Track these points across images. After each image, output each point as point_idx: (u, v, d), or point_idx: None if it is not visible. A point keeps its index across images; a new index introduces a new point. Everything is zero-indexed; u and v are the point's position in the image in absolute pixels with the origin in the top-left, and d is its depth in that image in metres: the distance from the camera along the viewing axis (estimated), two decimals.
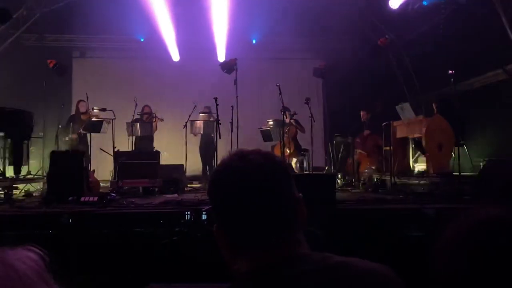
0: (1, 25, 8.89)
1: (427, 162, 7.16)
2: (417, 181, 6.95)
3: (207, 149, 8.96)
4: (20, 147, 6.98)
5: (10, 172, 6.82)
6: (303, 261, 0.95)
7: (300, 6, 9.73)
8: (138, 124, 8.60)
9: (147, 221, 4.61)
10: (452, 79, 6.35)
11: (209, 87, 9.27)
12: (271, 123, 8.46)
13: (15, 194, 6.16)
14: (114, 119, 8.08)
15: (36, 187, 6.86)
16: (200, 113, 8.88)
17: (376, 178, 7.87)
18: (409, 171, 7.80)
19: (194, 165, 9.10)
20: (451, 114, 6.68)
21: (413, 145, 7.66)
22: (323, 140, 11.21)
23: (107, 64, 11.42)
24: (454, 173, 6.49)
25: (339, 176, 8.47)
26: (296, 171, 8.31)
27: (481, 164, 6.70)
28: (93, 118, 8.14)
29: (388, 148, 7.74)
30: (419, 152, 7.74)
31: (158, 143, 9.05)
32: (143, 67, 11.00)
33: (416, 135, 7.32)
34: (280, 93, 7.62)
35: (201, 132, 8.77)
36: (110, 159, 7.45)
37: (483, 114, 7.93)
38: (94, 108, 8.24)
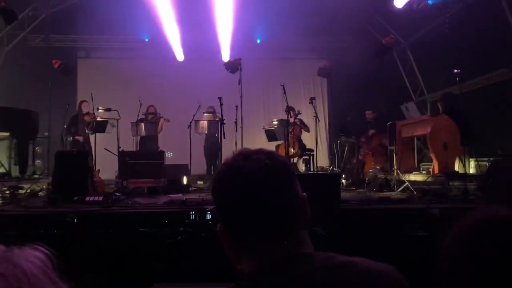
0: (7, 25, 8.93)
1: (432, 161, 7.13)
2: (422, 181, 6.92)
3: (212, 149, 8.97)
4: (25, 147, 7.02)
5: (15, 171, 6.86)
6: (307, 261, 0.95)
7: (305, 5, 9.72)
8: (142, 124, 8.62)
9: (152, 221, 4.62)
10: (457, 78, 6.32)
11: (214, 87, 9.29)
12: (275, 122, 8.46)
13: (20, 193, 6.18)
14: (119, 119, 8.10)
15: (41, 187, 6.88)
16: (204, 113, 8.89)
17: (381, 178, 7.85)
18: (414, 171, 7.77)
19: (198, 165, 9.11)
20: (457, 113, 6.65)
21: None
22: (328, 140, 11.20)
23: (112, 64, 11.45)
24: (459, 173, 6.45)
25: (344, 175, 8.45)
26: (301, 171, 8.31)
27: (487, 163, 6.66)
28: (98, 118, 8.16)
29: (393, 147, 7.71)
30: (424, 152, 7.72)
31: (163, 143, 9.07)
32: (148, 67, 11.03)
33: (421, 135, 7.30)
34: (285, 93, 7.62)
35: (206, 132, 8.77)
36: (115, 159, 7.47)
37: (488, 113, 7.89)
38: (99, 108, 8.27)
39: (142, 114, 8.94)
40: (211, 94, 8.22)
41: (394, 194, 6.32)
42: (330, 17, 10.02)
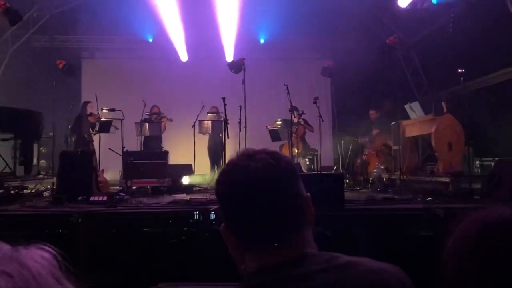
0: (12, 26, 8.98)
1: (436, 161, 7.11)
2: (427, 181, 6.90)
3: (215, 148, 8.98)
4: (30, 147, 7.05)
5: (20, 172, 6.89)
6: (311, 261, 0.95)
7: (308, 5, 9.71)
8: (146, 124, 8.65)
9: (156, 220, 4.63)
10: (462, 78, 6.30)
11: (217, 87, 9.30)
12: (279, 122, 8.46)
13: (25, 193, 6.21)
14: (123, 119, 8.13)
15: (45, 187, 6.91)
16: (208, 112, 8.90)
17: (385, 178, 7.83)
18: (418, 171, 7.74)
19: (202, 164, 9.12)
20: (461, 113, 6.63)
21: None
22: (332, 140, 11.18)
23: (116, 64, 11.48)
24: (464, 173, 6.43)
25: (348, 175, 8.44)
26: (305, 171, 8.30)
27: (491, 163, 6.64)
28: (102, 118, 8.19)
29: (397, 147, 7.70)
30: (428, 152, 7.69)
31: (167, 143, 9.08)
32: (152, 67, 11.05)
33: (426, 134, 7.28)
34: (288, 93, 7.61)
35: (209, 132, 8.79)
36: (119, 159, 7.49)
37: (493, 112, 7.86)
38: (103, 108, 8.29)
39: (146, 114, 8.96)
40: (215, 94, 8.23)
41: (398, 194, 6.29)
42: (333, 16, 10.01)
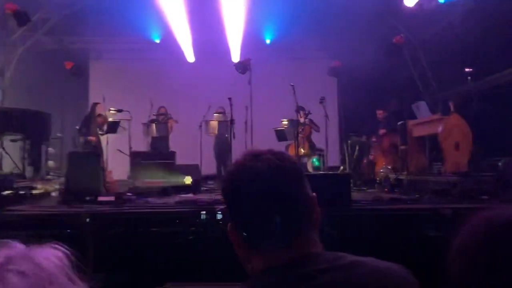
0: (20, 28, 9.05)
1: (444, 161, 7.07)
2: (434, 181, 6.86)
3: (222, 149, 8.99)
4: (39, 148, 7.10)
5: (29, 172, 6.95)
6: (317, 261, 0.95)
7: (314, 5, 9.70)
8: (153, 125, 8.68)
9: (163, 220, 4.65)
10: (469, 77, 6.26)
11: (224, 87, 9.30)
12: (285, 123, 8.45)
13: (34, 194, 6.26)
14: (130, 120, 8.17)
15: (54, 187, 6.96)
16: (214, 113, 8.92)
17: (392, 178, 7.80)
18: (425, 170, 7.70)
19: (209, 165, 9.14)
20: (469, 112, 6.59)
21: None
22: (338, 140, 11.15)
23: (123, 65, 11.53)
24: (471, 173, 6.39)
25: (354, 175, 8.41)
26: (311, 171, 8.29)
27: (499, 163, 6.58)
28: (109, 119, 8.23)
29: (404, 147, 7.66)
30: (435, 151, 7.65)
31: (174, 144, 9.11)
32: (159, 68, 11.09)
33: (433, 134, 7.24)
34: (294, 93, 7.61)
35: (216, 133, 8.80)
36: (127, 160, 7.53)
37: (501, 111, 7.79)
38: (111, 109, 8.33)
39: (153, 114, 9.00)
40: (221, 95, 8.24)
41: (405, 194, 6.27)
42: (340, 16, 9.98)
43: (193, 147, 8.66)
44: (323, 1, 9.69)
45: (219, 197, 5.16)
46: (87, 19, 10.27)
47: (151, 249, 4.33)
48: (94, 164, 6.13)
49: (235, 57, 10.91)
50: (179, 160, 7.94)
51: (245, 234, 1.01)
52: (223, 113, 8.74)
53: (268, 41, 11.51)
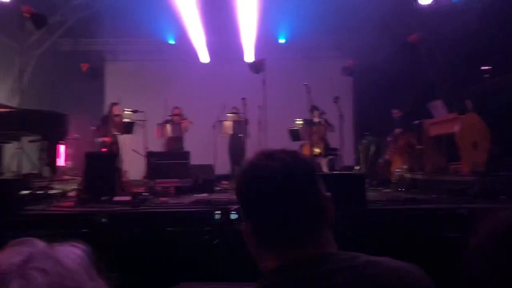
0: (38, 30, 9.19)
1: (461, 160, 6.98)
2: (451, 180, 6.77)
3: (236, 149, 9.01)
4: (56, 148, 7.20)
5: (46, 172, 7.05)
6: (331, 260, 0.95)
7: (328, 4, 9.65)
8: (168, 126, 8.75)
9: (178, 220, 4.68)
10: (487, 75, 6.16)
11: (238, 87, 9.33)
12: (299, 122, 8.42)
13: (51, 193, 6.35)
14: (146, 120, 8.24)
15: (71, 187, 7.05)
16: (228, 113, 8.94)
17: (408, 177, 7.72)
18: (442, 170, 7.61)
19: (223, 165, 9.17)
20: (486, 111, 6.49)
21: None
22: (353, 139, 11.08)
23: (138, 66, 11.65)
24: (489, 172, 6.29)
25: (370, 175, 8.34)
26: (325, 171, 8.25)
27: None
28: (125, 120, 8.31)
29: (420, 146, 7.57)
30: (452, 151, 7.55)
31: (188, 144, 9.16)
32: (174, 69, 11.18)
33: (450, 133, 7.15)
34: (309, 92, 7.59)
35: (230, 133, 8.83)
36: (142, 160, 7.60)
37: None
38: (126, 109, 8.41)
39: (168, 115, 9.06)
40: (235, 95, 8.26)
41: (422, 194, 6.20)
42: (354, 15, 9.92)
43: (207, 147, 8.70)
44: (337, 0, 9.63)
45: (234, 196, 5.18)
46: (103, 21, 10.41)
47: (166, 248, 4.36)
48: (111, 164, 6.20)
49: (249, 57, 10.94)
50: (194, 160, 7.98)
51: (259, 233, 1.01)
52: (237, 113, 8.76)
53: (282, 41, 11.51)
